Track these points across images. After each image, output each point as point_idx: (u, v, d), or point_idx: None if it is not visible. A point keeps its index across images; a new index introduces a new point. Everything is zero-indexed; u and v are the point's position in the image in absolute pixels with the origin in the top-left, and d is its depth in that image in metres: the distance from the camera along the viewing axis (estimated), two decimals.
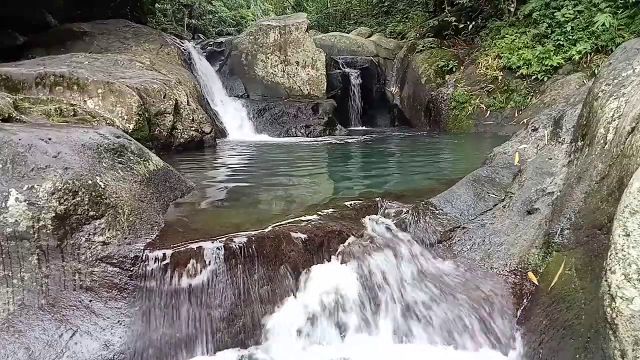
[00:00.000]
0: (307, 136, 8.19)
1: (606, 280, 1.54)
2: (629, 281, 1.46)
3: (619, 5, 7.40)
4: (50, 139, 2.36)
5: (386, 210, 2.79)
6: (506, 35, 8.72)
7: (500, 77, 8.42)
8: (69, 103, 4.80)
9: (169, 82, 6.13)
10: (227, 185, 3.88)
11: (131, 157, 2.77)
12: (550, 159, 2.95)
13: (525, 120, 5.20)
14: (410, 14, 14.53)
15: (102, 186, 2.28)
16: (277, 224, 2.50)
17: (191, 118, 6.11)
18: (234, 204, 3.20)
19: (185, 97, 6.27)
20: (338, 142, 7.37)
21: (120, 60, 6.60)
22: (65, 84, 5.07)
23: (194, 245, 2.23)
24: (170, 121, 5.68)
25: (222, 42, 10.56)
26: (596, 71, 5.26)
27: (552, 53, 7.83)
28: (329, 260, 2.43)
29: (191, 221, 2.67)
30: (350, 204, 2.88)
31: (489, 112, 8.37)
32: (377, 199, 2.93)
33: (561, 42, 7.82)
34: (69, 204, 2.13)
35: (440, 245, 2.61)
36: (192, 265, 2.18)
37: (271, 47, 9.73)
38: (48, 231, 2.08)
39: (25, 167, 2.14)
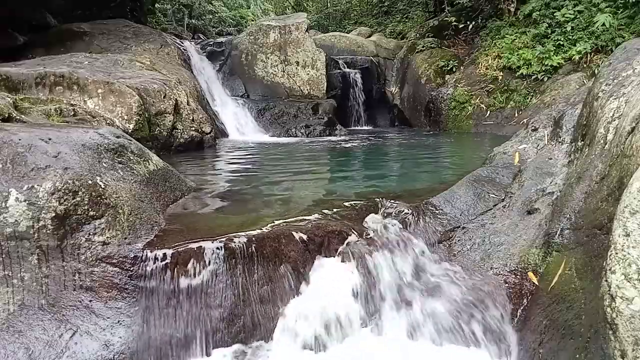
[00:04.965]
0: (307, 136, 8.18)
1: (606, 280, 1.54)
2: (629, 281, 1.46)
3: (619, 5, 7.40)
4: (50, 139, 2.36)
5: (386, 210, 2.79)
6: (506, 35, 8.71)
7: (500, 77, 8.41)
8: (69, 103, 4.80)
9: (169, 82, 6.13)
10: (227, 185, 3.88)
11: (131, 157, 2.77)
12: (550, 159, 2.95)
13: (525, 120, 5.20)
14: (410, 14, 14.53)
15: (102, 186, 2.28)
16: (277, 224, 2.50)
17: (191, 118, 6.11)
18: (234, 204, 3.20)
19: (185, 97, 6.27)
20: (338, 142, 7.37)
21: (120, 60, 6.59)
22: (65, 84, 5.06)
23: (194, 245, 2.23)
24: (170, 121, 5.68)
25: (222, 42, 10.55)
26: (596, 71, 5.26)
27: (552, 53, 7.83)
28: (329, 260, 2.43)
29: (191, 221, 2.67)
30: (351, 204, 2.88)
31: (489, 112, 8.36)
32: (377, 198, 2.93)
33: (561, 42, 7.81)
34: (69, 204, 2.13)
35: (441, 245, 2.61)
36: (192, 265, 2.18)
37: (271, 47, 9.73)
38: (48, 231, 2.08)
39: (25, 167, 2.14)
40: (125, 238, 2.25)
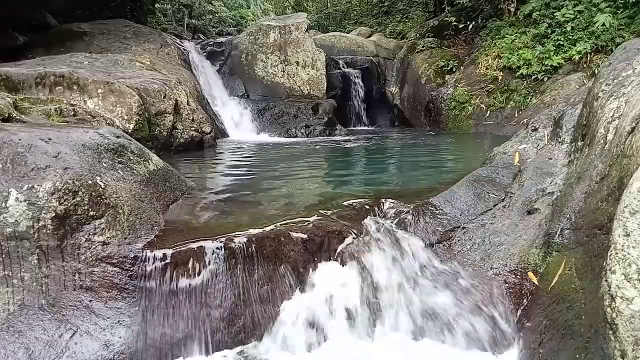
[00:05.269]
0: (307, 136, 8.18)
1: (606, 280, 1.54)
2: (629, 281, 1.46)
3: (619, 5, 7.39)
4: (50, 139, 2.36)
5: (386, 210, 2.79)
6: (506, 35, 8.71)
7: (500, 77, 8.40)
8: (69, 103, 4.80)
9: (169, 82, 6.13)
10: (227, 185, 3.88)
11: (131, 157, 2.77)
12: (550, 159, 2.95)
13: (525, 120, 5.20)
14: (410, 14, 14.53)
15: (102, 186, 2.28)
16: (277, 224, 2.50)
17: (191, 118, 6.11)
18: (234, 204, 3.20)
19: (185, 97, 6.27)
20: (338, 142, 7.37)
21: (120, 60, 6.59)
22: (65, 84, 5.06)
23: (194, 245, 2.23)
24: (170, 121, 5.68)
25: (222, 42, 10.55)
26: (596, 71, 5.25)
27: (552, 53, 7.82)
28: (329, 261, 2.43)
29: (191, 221, 2.67)
30: (350, 204, 2.88)
31: (489, 112, 8.35)
32: (377, 199, 2.93)
33: (561, 42, 7.81)
34: (69, 204, 2.13)
35: (440, 245, 2.61)
36: (192, 265, 2.18)
37: (271, 47, 9.73)
38: (48, 231, 2.08)
39: (25, 167, 2.14)
40: (125, 238, 2.25)
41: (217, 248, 2.23)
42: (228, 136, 7.84)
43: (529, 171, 2.93)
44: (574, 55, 7.60)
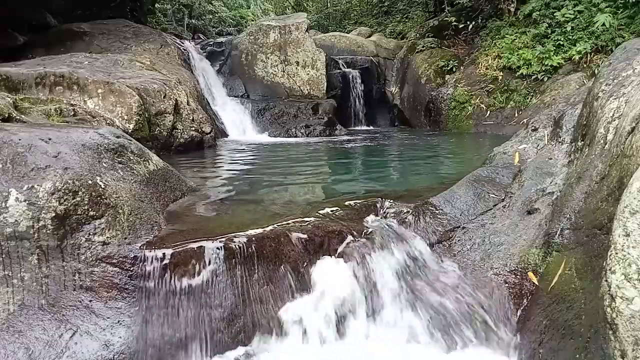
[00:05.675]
0: (307, 136, 8.18)
1: (606, 280, 1.54)
2: (629, 281, 1.46)
3: (619, 5, 7.40)
4: (50, 139, 2.36)
5: (386, 210, 2.79)
6: (506, 35, 8.72)
7: (500, 77, 8.41)
8: (69, 103, 4.80)
9: (169, 82, 6.13)
10: (227, 185, 3.88)
11: (131, 157, 2.77)
12: (550, 159, 2.95)
13: (525, 120, 5.20)
14: (410, 14, 14.55)
15: (102, 186, 2.28)
16: (277, 224, 2.50)
17: (191, 118, 6.11)
18: (234, 204, 3.20)
19: (185, 97, 6.27)
20: (338, 142, 7.37)
21: (120, 60, 6.59)
22: (65, 84, 5.07)
23: (194, 245, 2.23)
24: (170, 121, 5.68)
25: (222, 42, 10.56)
26: (596, 71, 5.26)
27: (552, 53, 7.83)
28: (329, 260, 2.43)
29: (191, 221, 2.67)
30: (350, 204, 2.88)
31: (489, 112, 8.36)
32: (377, 198, 2.93)
33: (561, 42, 7.82)
34: (69, 204, 2.13)
35: (440, 245, 2.61)
36: (192, 265, 2.18)
37: (271, 47, 9.73)
38: (48, 231, 2.08)
39: (25, 167, 2.14)
40: (125, 238, 2.25)
41: (217, 248, 2.23)
42: (228, 136, 7.85)
43: (529, 171, 2.93)
44: (574, 55, 7.60)
